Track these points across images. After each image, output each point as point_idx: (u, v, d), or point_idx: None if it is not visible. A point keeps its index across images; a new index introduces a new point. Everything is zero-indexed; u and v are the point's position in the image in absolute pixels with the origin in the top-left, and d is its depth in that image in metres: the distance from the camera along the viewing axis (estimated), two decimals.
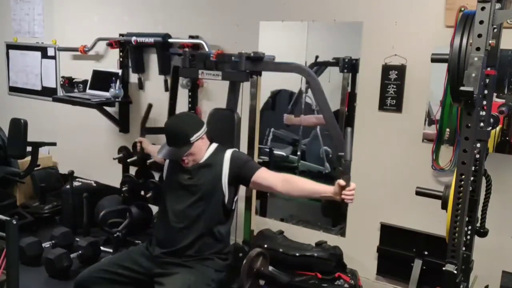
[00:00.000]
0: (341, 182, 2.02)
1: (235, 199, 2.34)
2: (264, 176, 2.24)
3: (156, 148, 2.87)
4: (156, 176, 3.32)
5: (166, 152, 2.27)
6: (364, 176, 2.91)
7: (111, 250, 3.34)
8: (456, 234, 1.72)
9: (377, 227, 2.90)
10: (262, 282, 2.24)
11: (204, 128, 2.30)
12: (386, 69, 2.75)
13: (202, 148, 2.30)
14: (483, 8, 1.60)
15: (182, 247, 2.22)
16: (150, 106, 3.31)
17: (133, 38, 3.64)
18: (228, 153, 2.29)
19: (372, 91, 2.82)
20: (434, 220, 2.55)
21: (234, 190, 2.30)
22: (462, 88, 1.58)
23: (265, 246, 2.75)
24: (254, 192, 2.64)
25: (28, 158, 3.79)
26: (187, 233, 2.22)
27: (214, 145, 2.36)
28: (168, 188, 2.36)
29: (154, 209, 3.52)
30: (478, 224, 2.04)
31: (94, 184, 4.07)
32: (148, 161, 3.18)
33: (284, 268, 2.78)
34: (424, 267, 2.68)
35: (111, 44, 3.87)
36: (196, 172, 2.28)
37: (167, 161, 2.44)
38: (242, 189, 2.42)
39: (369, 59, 2.82)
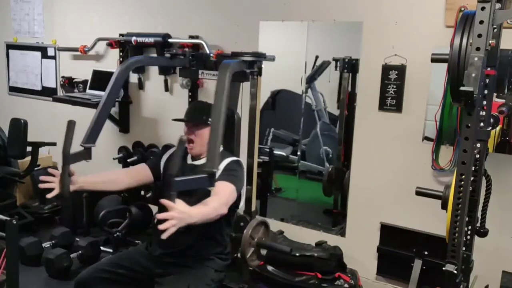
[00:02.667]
0: (163, 201, 1.76)
1: (235, 204, 2.29)
2: (217, 189, 2.07)
3: (102, 176, 2.42)
4: None
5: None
6: (364, 176, 2.92)
7: (111, 250, 3.34)
8: (456, 234, 1.72)
9: (377, 227, 2.90)
10: (263, 252, 2.20)
11: None
12: (386, 69, 2.75)
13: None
14: (483, 8, 1.60)
15: (181, 249, 2.22)
16: (72, 125, 2.15)
17: (133, 38, 3.64)
18: (227, 160, 2.28)
19: (372, 91, 2.82)
20: (434, 220, 2.55)
21: None
22: (462, 88, 1.58)
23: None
24: (254, 192, 2.64)
25: (28, 158, 3.79)
26: (186, 234, 2.21)
27: (220, 149, 2.35)
28: (166, 189, 2.36)
29: (154, 209, 3.52)
30: (478, 224, 2.03)
31: None
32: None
33: (284, 268, 2.79)
34: (424, 267, 2.68)
35: (111, 44, 3.87)
36: (195, 173, 2.27)
37: (162, 162, 2.43)
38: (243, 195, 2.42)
39: (369, 59, 2.82)
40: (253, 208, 2.41)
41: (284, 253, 2.27)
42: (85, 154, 2.11)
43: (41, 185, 2.06)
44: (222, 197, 2.06)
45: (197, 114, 2.32)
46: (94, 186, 2.31)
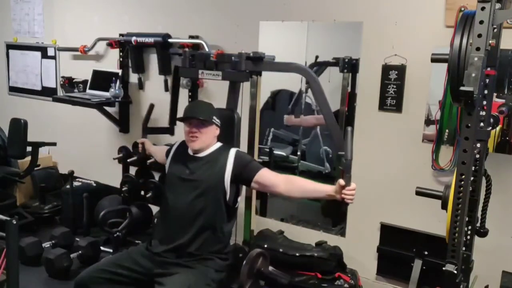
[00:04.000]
0: (341, 181, 2.04)
1: (238, 198, 2.35)
2: (266, 176, 2.26)
3: (158, 148, 2.95)
4: (156, 176, 3.32)
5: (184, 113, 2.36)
6: (364, 176, 2.92)
7: (111, 250, 3.34)
8: (456, 234, 1.72)
9: (377, 227, 2.90)
10: (262, 282, 2.23)
11: (219, 123, 2.37)
12: (386, 69, 2.75)
13: (213, 138, 2.34)
14: (483, 8, 1.60)
15: (183, 243, 2.22)
16: (152, 106, 3.27)
17: (133, 38, 3.64)
18: (233, 151, 2.32)
19: (372, 91, 2.82)
20: (434, 220, 2.55)
21: (236, 188, 2.31)
22: (462, 88, 1.58)
23: (265, 246, 2.75)
24: (254, 192, 2.65)
25: (28, 158, 3.79)
26: (188, 228, 2.23)
27: (219, 144, 2.38)
28: (170, 183, 2.38)
29: (154, 209, 3.52)
30: (478, 224, 2.04)
31: (94, 184, 4.06)
32: (149, 161, 3.13)
33: (284, 268, 2.79)
34: (424, 267, 2.68)
35: (111, 44, 3.88)
36: (198, 167, 2.29)
37: (169, 158, 2.45)
38: (243, 189, 2.43)
39: (369, 59, 2.82)
40: (253, 202, 2.47)
41: (283, 285, 2.32)
42: (164, 130, 3.27)
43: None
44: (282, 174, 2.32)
45: (203, 112, 2.32)
46: (153, 154, 2.93)
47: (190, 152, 2.37)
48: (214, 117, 2.32)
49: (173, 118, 3.14)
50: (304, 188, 2.23)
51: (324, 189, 2.18)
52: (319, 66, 3.30)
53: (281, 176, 2.28)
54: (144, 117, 3.24)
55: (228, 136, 2.48)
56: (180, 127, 3.44)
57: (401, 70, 2.71)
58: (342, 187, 2.06)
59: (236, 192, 2.33)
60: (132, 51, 3.78)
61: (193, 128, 2.29)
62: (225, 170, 2.25)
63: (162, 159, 2.68)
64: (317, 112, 3.47)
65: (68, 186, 3.84)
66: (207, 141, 2.32)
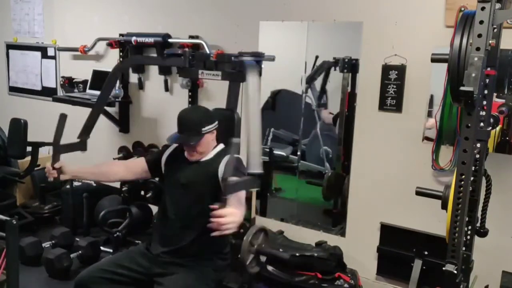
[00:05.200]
0: (214, 206, 1.83)
1: None
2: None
3: (98, 167, 2.50)
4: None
5: (174, 137, 2.28)
6: (364, 176, 2.92)
7: (111, 250, 3.35)
8: (456, 234, 1.72)
9: (377, 227, 2.90)
10: (263, 258, 2.21)
11: (215, 124, 2.30)
12: (386, 69, 2.75)
13: (211, 143, 2.31)
14: (483, 8, 1.60)
15: (182, 246, 2.22)
16: (63, 117, 2.35)
17: (133, 38, 3.64)
18: (227, 156, 2.28)
19: (372, 91, 2.82)
20: (434, 220, 2.55)
21: None
22: (462, 88, 1.58)
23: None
24: (254, 193, 2.64)
25: (28, 158, 3.79)
26: (187, 231, 2.22)
27: (221, 146, 2.36)
28: (168, 188, 2.36)
29: (154, 209, 3.52)
30: (478, 224, 2.04)
31: (94, 184, 4.06)
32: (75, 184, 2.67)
33: (284, 268, 2.79)
34: (424, 267, 2.68)
35: (111, 44, 3.87)
36: (195, 172, 2.28)
37: (163, 162, 2.42)
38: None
39: (369, 59, 2.82)
40: (252, 215, 2.43)
41: (284, 260, 2.29)
42: (78, 146, 2.42)
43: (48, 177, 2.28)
44: (243, 194, 2.10)
45: (190, 130, 2.23)
46: (86, 176, 2.44)
47: (187, 156, 2.36)
48: (205, 127, 2.24)
49: (87, 129, 2.60)
50: None
51: None
52: (319, 67, 3.31)
53: (240, 194, 2.09)
54: (55, 131, 2.34)
55: (228, 136, 2.47)
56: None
57: (401, 70, 2.71)
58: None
59: None
60: (132, 51, 3.78)
61: (186, 147, 2.28)
62: (218, 174, 2.22)
63: (133, 175, 2.43)
64: (317, 112, 3.48)
65: (68, 186, 3.84)
66: (205, 150, 2.29)
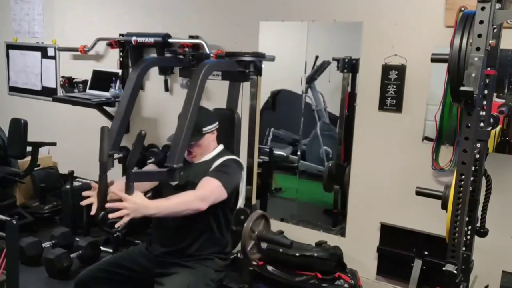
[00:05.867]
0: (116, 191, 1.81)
1: (234, 201, 2.31)
2: (200, 184, 2.11)
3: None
4: None
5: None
6: (364, 176, 2.92)
7: (111, 250, 3.35)
8: (456, 234, 1.72)
9: (377, 227, 2.90)
10: (264, 245, 2.19)
11: (216, 124, 2.31)
12: (386, 69, 2.75)
13: (211, 143, 2.31)
14: (483, 8, 1.60)
15: (181, 247, 2.22)
16: (105, 131, 1.95)
17: (133, 38, 3.64)
18: (223, 158, 2.27)
19: (372, 91, 2.82)
20: (434, 220, 2.55)
21: None
22: (462, 88, 1.58)
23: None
24: (254, 192, 2.64)
25: (28, 158, 3.79)
26: (185, 232, 2.22)
27: (221, 147, 2.36)
28: (165, 187, 2.36)
29: None
30: (478, 224, 2.03)
31: None
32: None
33: (284, 268, 2.79)
34: (424, 267, 2.68)
35: (111, 44, 3.87)
36: (193, 173, 2.28)
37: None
38: (243, 190, 2.42)
39: (369, 59, 2.82)
40: (253, 202, 2.41)
41: (285, 246, 2.25)
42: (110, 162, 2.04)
43: (83, 202, 2.04)
44: (200, 192, 2.06)
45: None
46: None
47: (187, 157, 2.36)
48: (206, 127, 2.26)
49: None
50: None
51: None
52: (319, 67, 3.31)
53: (197, 190, 2.08)
54: (100, 147, 1.93)
55: (228, 136, 2.47)
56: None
57: (401, 70, 2.71)
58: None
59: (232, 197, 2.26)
60: (132, 51, 3.78)
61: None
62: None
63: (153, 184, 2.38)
64: (317, 112, 3.48)
65: (68, 186, 3.84)
66: (204, 151, 2.29)
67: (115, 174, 3.53)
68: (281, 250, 2.79)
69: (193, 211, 2.02)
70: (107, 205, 1.82)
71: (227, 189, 2.14)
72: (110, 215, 1.80)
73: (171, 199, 2.00)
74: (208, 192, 2.08)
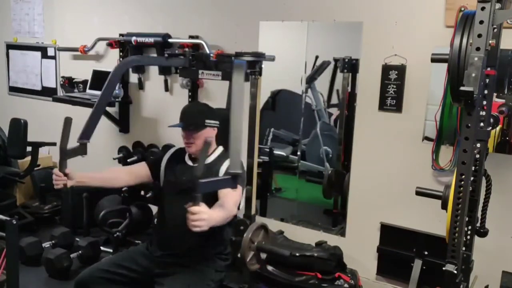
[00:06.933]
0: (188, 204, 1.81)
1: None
2: (221, 195, 2.16)
3: (104, 173, 2.49)
4: None
5: (178, 124, 2.30)
6: (364, 176, 2.92)
7: (111, 250, 3.34)
8: (456, 234, 1.72)
9: (377, 227, 2.90)
10: (263, 255, 2.20)
11: (217, 123, 2.35)
12: (386, 69, 2.75)
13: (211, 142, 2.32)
14: (483, 8, 1.60)
15: (182, 251, 2.21)
16: (69, 121, 2.18)
17: (133, 38, 3.64)
18: (228, 161, 2.28)
19: (372, 91, 2.82)
20: (434, 220, 2.55)
21: None
22: (462, 88, 1.58)
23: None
24: (254, 192, 2.64)
25: (28, 158, 3.79)
26: (187, 237, 2.21)
27: (220, 149, 2.36)
28: (167, 191, 2.36)
29: (154, 209, 3.52)
30: (478, 224, 2.04)
31: None
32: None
33: (284, 268, 2.79)
34: (424, 267, 2.68)
35: (111, 44, 3.87)
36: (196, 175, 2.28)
37: (163, 166, 2.42)
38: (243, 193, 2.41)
39: (369, 59, 2.82)
40: (253, 211, 2.41)
41: (284, 257, 2.27)
42: (81, 150, 2.18)
43: (55, 184, 2.14)
44: (233, 198, 2.12)
45: (193, 119, 2.30)
46: (92, 182, 2.35)
47: (188, 161, 2.36)
48: (208, 120, 2.30)
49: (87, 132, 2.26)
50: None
51: None
52: (319, 67, 3.31)
53: (221, 200, 2.13)
54: (62, 135, 2.16)
55: (228, 136, 2.47)
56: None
57: (401, 70, 2.71)
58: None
59: None
60: (132, 51, 3.78)
61: (186, 135, 2.28)
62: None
63: (135, 179, 2.45)
64: (317, 112, 3.48)
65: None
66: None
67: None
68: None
69: (232, 217, 2.13)
70: (191, 217, 1.81)
71: (243, 189, 2.25)
72: (194, 228, 1.81)
73: (218, 210, 2.03)
74: (238, 197, 2.18)
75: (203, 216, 1.81)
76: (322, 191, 3.31)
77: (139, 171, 2.46)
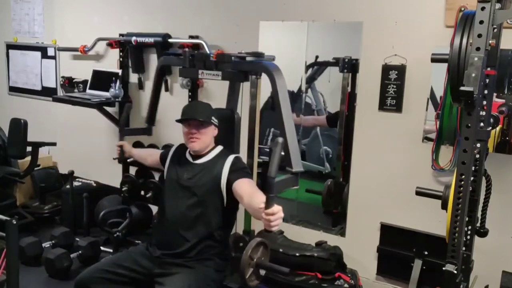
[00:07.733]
0: (261, 204, 1.78)
1: (238, 204, 2.30)
2: (242, 186, 2.14)
3: (145, 152, 2.98)
4: (156, 176, 3.32)
5: (183, 117, 2.31)
6: (364, 176, 2.92)
7: (111, 250, 3.34)
8: (456, 234, 1.73)
9: (377, 227, 2.90)
10: (263, 272, 2.21)
11: (217, 124, 2.36)
12: (386, 69, 2.75)
13: (211, 138, 2.33)
14: (483, 8, 1.60)
15: (182, 250, 2.21)
16: (129, 107, 3.24)
17: (133, 38, 3.64)
18: (231, 157, 2.29)
19: (372, 91, 2.82)
20: (434, 220, 2.55)
21: (233, 194, 2.25)
22: (462, 88, 1.58)
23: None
24: None
25: (28, 158, 3.79)
26: (187, 236, 2.21)
27: (220, 148, 2.37)
28: (168, 188, 2.36)
29: (154, 209, 3.52)
30: (478, 224, 2.04)
31: (94, 184, 4.07)
32: (129, 160, 3.09)
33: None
34: (424, 267, 2.68)
35: (111, 44, 3.88)
36: (196, 174, 2.28)
37: (167, 162, 2.43)
38: None
39: (369, 59, 2.82)
40: (252, 227, 2.45)
41: (283, 274, 2.29)
42: (144, 131, 3.04)
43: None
44: (260, 192, 2.07)
45: (202, 112, 2.30)
46: (135, 156, 2.89)
47: (189, 157, 2.36)
48: (213, 118, 2.32)
49: (151, 118, 3.03)
50: (251, 205, 2.02)
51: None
52: (319, 66, 3.31)
53: (250, 190, 2.12)
54: (121, 116, 3.10)
55: (228, 136, 2.47)
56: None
57: (401, 70, 2.71)
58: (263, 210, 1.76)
59: (234, 197, 2.26)
60: (132, 51, 3.78)
61: (192, 129, 2.27)
62: (221, 176, 2.22)
63: (154, 163, 2.68)
64: (317, 112, 3.48)
65: (68, 186, 3.84)
66: (206, 142, 2.31)
67: (115, 173, 3.54)
68: (281, 250, 2.80)
69: None
70: (266, 217, 1.77)
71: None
72: (273, 229, 1.79)
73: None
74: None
75: (282, 215, 1.80)
76: (321, 202, 3.32)
77: (157, 158, 2.63)
